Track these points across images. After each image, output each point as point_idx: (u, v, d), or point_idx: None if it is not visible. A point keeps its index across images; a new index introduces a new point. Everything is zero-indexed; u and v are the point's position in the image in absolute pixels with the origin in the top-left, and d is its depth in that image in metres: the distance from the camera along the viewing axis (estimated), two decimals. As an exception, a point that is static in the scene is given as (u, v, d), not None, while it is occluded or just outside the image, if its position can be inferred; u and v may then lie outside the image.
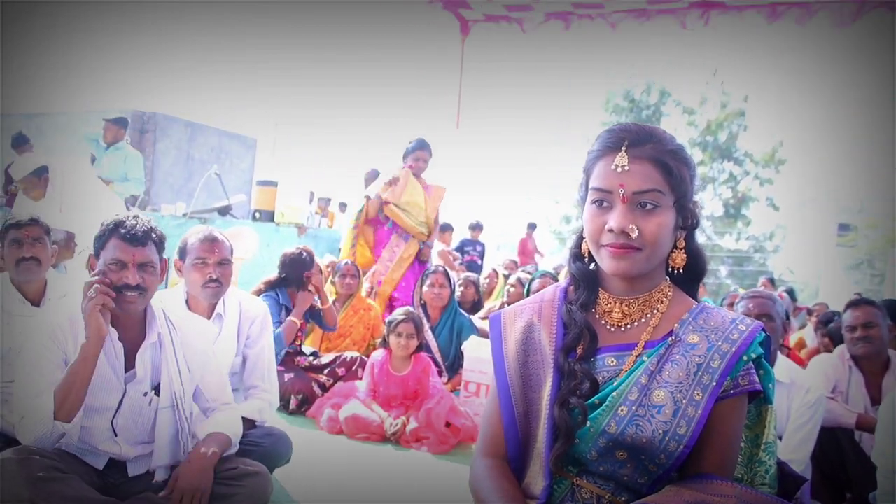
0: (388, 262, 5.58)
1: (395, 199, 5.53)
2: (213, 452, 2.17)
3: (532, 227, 12.62)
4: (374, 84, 33.78)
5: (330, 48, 27.31)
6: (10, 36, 11.36)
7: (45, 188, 5.34)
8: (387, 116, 19.60)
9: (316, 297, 4.66)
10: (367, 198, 5.58)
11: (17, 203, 5.47)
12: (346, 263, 5.32)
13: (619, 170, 1.33)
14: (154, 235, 2.22)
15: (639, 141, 1.35)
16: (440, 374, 4.60)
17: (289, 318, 4.34)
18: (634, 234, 1.32)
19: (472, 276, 6.71)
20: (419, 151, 5.73)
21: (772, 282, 10.91)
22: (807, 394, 2.75)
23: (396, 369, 4.04)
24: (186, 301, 2.90)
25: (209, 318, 2.86)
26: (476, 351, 4.24)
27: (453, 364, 4.84)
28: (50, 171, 5.38)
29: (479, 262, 10.43)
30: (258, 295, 4.36)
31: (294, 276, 4.57)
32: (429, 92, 20.67)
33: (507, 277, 7.34)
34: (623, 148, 1.34)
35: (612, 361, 1.39)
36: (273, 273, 4.64)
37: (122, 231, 2.16)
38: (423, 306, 5.02)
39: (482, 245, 10.87)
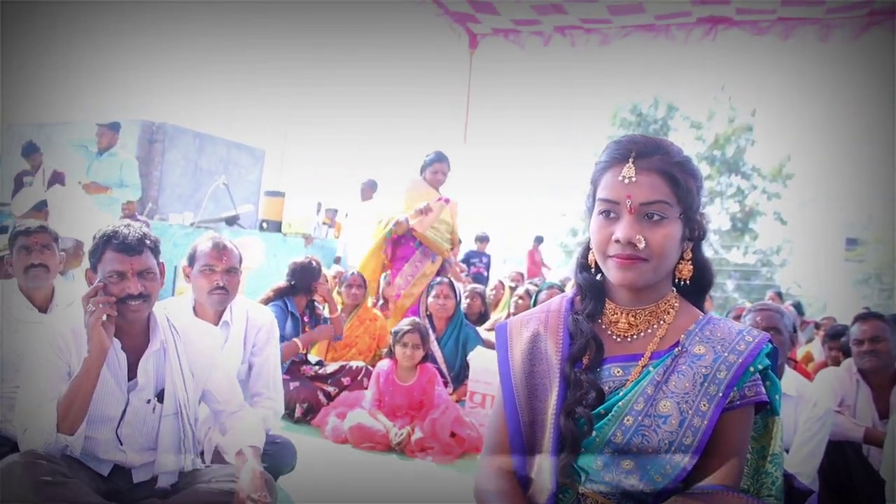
0: (409, 277, 5.51)
1: (423, 230, 5.43)
2: (260, 472, 2.17)
3: (539, 240, 12.63)
4: (381, 93, 33.78)
5: (335, 54, 27.34)
6: (10, 36, 11.41)
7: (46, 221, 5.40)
8: (394, 127, 19.52)
9: (322, 306, 4.67)
10: (398, 222, 5.43)
11: None
12: (353, 274, 5.32)
13: (627, 181, 1.34)
14: (148, 241, 2.20)
15: (646, 152, 1.35)
16: (445, 384, 4.59)
17: (293, 340, 4.34)
18: (641, 245, 1.32)
19: (479, 287, 6.71)
20: (437, 164, 5.61)
21: (779, 296, 10.87)
22: (814, 407, 2.74)
23: (402, 379, 4.04)
24: (194, 308, 2.92)
25: (216, 325, 2.87)
26: (481, 362, 4.24)
27: (459, 375, 4.84)
28: (49, 204, 5.45)
29: (486, 273, 10.43)
30: (267, 302, 4.37)
31: (302, 284, 4.59)
32: (436, 108, 20.73)
33: (513, 289, 7.34)
34: (630, 159, 1.35)
35: (618, 372, 1.39)
36: (280, 282, 4.65)
37: (116, 242, 2.15)
38: (429, 317, 5.01)
39: (488, 257, 10.87)
